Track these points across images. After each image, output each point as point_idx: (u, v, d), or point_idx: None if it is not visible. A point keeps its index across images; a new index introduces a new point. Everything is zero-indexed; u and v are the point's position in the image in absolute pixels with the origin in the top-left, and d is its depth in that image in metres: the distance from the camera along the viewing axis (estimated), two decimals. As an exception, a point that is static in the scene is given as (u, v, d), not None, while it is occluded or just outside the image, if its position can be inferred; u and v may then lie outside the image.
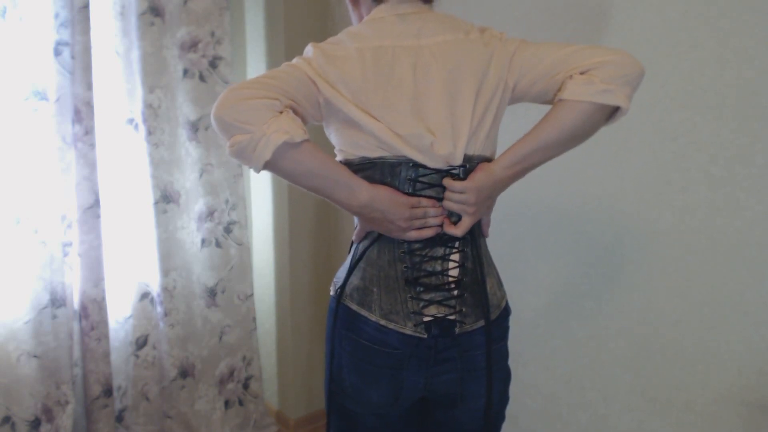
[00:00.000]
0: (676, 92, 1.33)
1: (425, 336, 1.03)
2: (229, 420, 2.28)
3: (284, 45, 2.13)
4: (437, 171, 1.01)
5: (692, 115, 1.31)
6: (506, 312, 1.13)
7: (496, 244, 1.69)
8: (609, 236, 1.49)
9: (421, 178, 1.01)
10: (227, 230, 2.22)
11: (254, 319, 2.31)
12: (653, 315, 1.43)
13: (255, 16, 2.23)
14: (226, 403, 2.28)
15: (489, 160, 1.04)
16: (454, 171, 1.01)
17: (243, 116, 0.89)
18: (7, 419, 1.79)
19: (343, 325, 1.08)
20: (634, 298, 1.46)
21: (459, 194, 1.00)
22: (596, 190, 1.50)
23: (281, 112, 0.91)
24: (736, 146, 1.25)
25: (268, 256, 2.36)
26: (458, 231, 1.02)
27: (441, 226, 1.02)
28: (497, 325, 1.09)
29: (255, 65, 2.26)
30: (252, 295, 2.30)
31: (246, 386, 2.33)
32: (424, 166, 1.00)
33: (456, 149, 0.99)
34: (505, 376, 1.15)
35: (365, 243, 1.08)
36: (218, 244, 2.20)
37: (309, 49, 1.02)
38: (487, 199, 1.02)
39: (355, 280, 1.07)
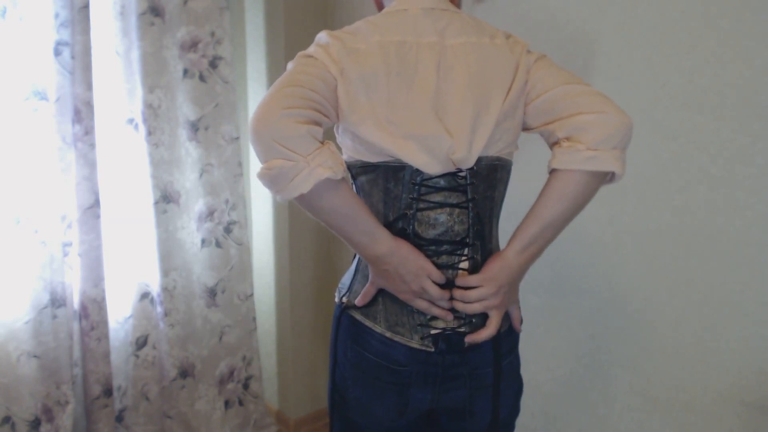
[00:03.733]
0: (676, 92, 1.33)
1: (432, 350, 0.98)
2: (229, 420, 2.28)
3: (284, 45, 2.13)
4: (443, 174, 0.96)
5: (692, 115, 1.31)
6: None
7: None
8: (609, 236, 1.49)
9: (426, 182, 0.96)
10: (227, 230, 2.22)
11: (254, 319, 2.31)
12: (653, 315, 1.43)
13: (255, 16, 2.23)
14: (226, 403, 2.28)
15: (500, 160, 1.00)
16: (461, 173, 0.97)
17: (290, 142, 0.81)
18: (7, 419, 1.79)
19: (348, 335, 1.04)
20: (634, 298, 1.46)
21: (476, 290, 0.95)
22: (596, 190, 1.50)
23: (323, 143, 0.86)
24: (736, 146, 1.25)
25: (268, 256, 2.36)
26: (488, 332, 0.97)
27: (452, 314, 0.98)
28: (507, 335, 1.05)
29: (255, 65, 2.26)
30: (252, 295, 2.30)
31: (246, 386, 2.33)
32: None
33: (471, 153, 0.95)
34: (517, 388, 1.12)
35: None
36: (218, 244, 2.20)
37: (323, 37, 0.95)
38: (507, 289, 0.98)
39: (359, 288, 1.03)
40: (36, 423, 1.83)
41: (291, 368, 2.36)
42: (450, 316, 0.98)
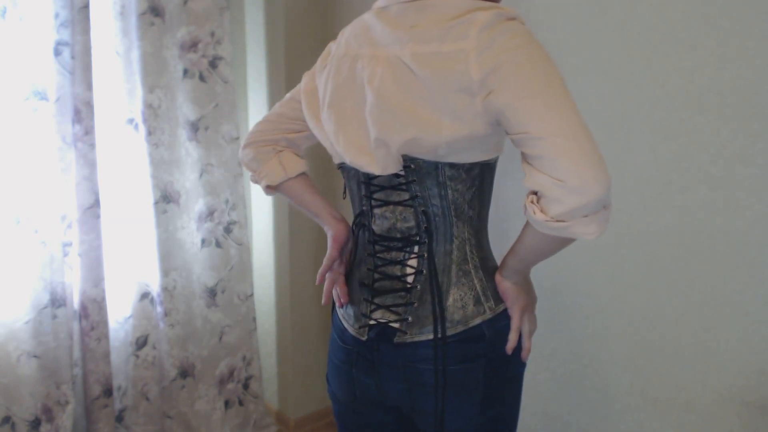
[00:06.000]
0: (676, 92, 1.33)
1: (365, 339, 1.03)
2: (229, 420, 2.28)
3: (284, 45, 2.13)
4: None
5: (692, 115, 1.31)
6: (477, 333, 0.97)
7: (496, 244, 1.69)
8: (609, 236, 1.49)
9: (371, 181, 1.00)
10: (227, 230, 2.22)
11: (254, 319, 2.31)
12: (653, 315, 1.43)
13: (255, 16, 2.23)
14: (226, 403, 2.28)
15: (448, 162, 0.93)
16: (400, 173, 0.95)
17: (249, 163, 1.19)
18: (7, 419, 1.79)
19: (332, 320, 1.15)
20: (634, 298, 1.46)
21: (525, 326, 1.02)
22: (596, 190, 1.50)
23: (277, 153, 1.16)
24: (736, 146, 1.25)
25: (268, 256, 2.36)
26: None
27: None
28: (457, 344, 0.96)
29: (255, 65, 2.26)
30: (252, 295, 2.30)
31: (246, 386, 2.33)
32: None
33: (387, 166, 0.93)
34: (481, 401, 0.99)
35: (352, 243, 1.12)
36: (218, 244, 2.20)
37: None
38: (525, 297, 1.02)
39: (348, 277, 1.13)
40: (36, 423, 1.83)
41: (291, 368, 2.36)
42: (324, 301, 1.13)
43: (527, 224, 0.89)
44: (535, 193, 0.82)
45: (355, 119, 0.97)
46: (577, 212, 0.78)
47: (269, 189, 1.18)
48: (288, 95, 1.17)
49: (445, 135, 0.87)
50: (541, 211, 0.81)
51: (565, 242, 0.88)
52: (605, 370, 1.54)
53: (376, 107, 0.91)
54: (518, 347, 1.03)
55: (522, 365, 1.05)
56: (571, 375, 1.62)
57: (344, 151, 0.99)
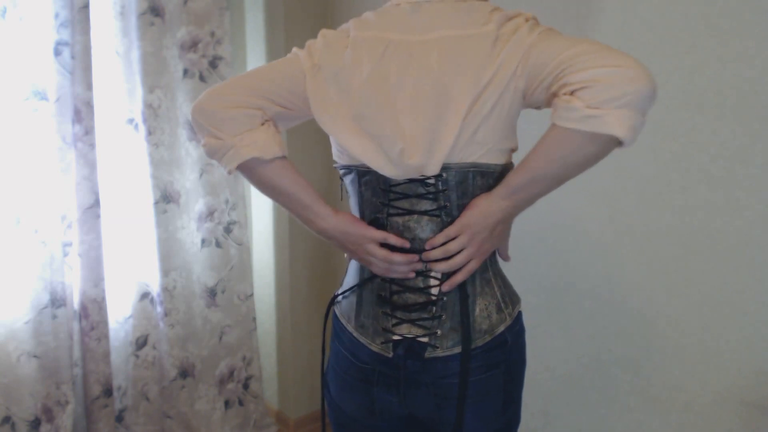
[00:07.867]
0: (676, 92, 1.33)
1: (390, 355, 0.97)
2: (229, 420, 2.28)
3: (284, 45, 2.13)
4: (410, 180, 0.93)
5: (692, 115, 1.31)
6: (501, 340, 0.98)
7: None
8: (609, 236, 1.49)
9: (393, 188, 0.94)
10: (227, 230, 2.22)
11: (254, 319, 2.31)
12: (653, 315, 1.43)
13: (255, 16, 2.23)
14: (226, 403, 2.28)
15: (477, 166, 0.92)
16: (428, 180, 0.92)
17: (218, 124, 0.91)
18: (7, 419, 1.79)
19: (333, 330, 1.08)
20: (634, 298, 1.46)
21: (455, 241, 0.91)
22: (596, 190, 1.50)
23: (263, 124, 0.93)
24: (736, 146, 1.25)
25: (268, 256, 2.36)
26: (461, 276, 0.93)
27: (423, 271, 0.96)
28: (484, 354, 0.96)
29: (255, 65, 2.26)
30: (252, 295, 2.30)
31: (246, 386, 2.33)
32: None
33: (431, 160, 0.90)
34: (503, 405, 1.01)
35: None
36: (218, 244, 2.20)
37: (319, 35, 0.99)
38: (484, 235, 0.92)
39: (349, 280, 1.05)
40: (36, 423, 1.83)
41: (291, 368, 2.36)
42: (412, 275, 0.96)
43: (547, 133, 0.84)
44: (572, 92, 0.79)
45: (391, 110, 0.91)
46: (622, 99, 0.76)
47: (246, 165, 0.92)
48: (281, 64, 0.97)
49: (484, 90, 0.87)
50: (578, 99, 0.78)
51: (587, 154, 0.81)
52: (605, 370, 1.54)
53: (420, 94, 0.90)
54: (523, 343, 1.04)
55: (524, 363, 1.07)
56: (571, 375, 1.62)
57: (378, 143, 0.91)
